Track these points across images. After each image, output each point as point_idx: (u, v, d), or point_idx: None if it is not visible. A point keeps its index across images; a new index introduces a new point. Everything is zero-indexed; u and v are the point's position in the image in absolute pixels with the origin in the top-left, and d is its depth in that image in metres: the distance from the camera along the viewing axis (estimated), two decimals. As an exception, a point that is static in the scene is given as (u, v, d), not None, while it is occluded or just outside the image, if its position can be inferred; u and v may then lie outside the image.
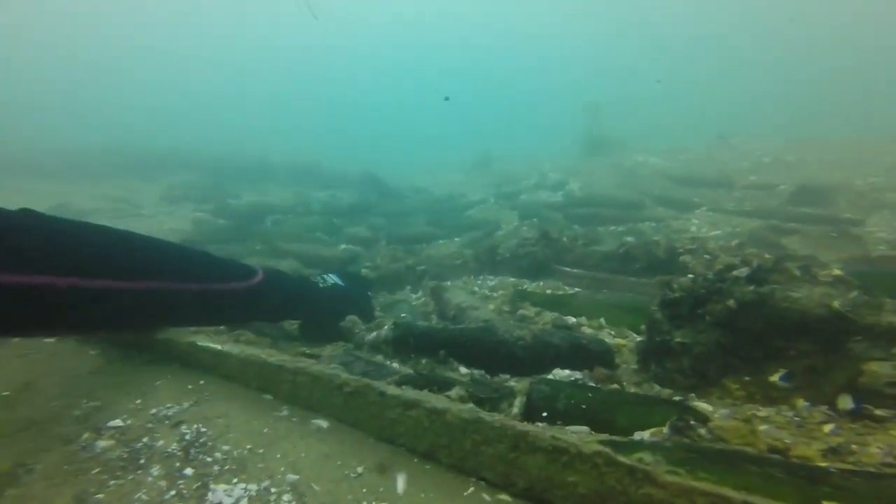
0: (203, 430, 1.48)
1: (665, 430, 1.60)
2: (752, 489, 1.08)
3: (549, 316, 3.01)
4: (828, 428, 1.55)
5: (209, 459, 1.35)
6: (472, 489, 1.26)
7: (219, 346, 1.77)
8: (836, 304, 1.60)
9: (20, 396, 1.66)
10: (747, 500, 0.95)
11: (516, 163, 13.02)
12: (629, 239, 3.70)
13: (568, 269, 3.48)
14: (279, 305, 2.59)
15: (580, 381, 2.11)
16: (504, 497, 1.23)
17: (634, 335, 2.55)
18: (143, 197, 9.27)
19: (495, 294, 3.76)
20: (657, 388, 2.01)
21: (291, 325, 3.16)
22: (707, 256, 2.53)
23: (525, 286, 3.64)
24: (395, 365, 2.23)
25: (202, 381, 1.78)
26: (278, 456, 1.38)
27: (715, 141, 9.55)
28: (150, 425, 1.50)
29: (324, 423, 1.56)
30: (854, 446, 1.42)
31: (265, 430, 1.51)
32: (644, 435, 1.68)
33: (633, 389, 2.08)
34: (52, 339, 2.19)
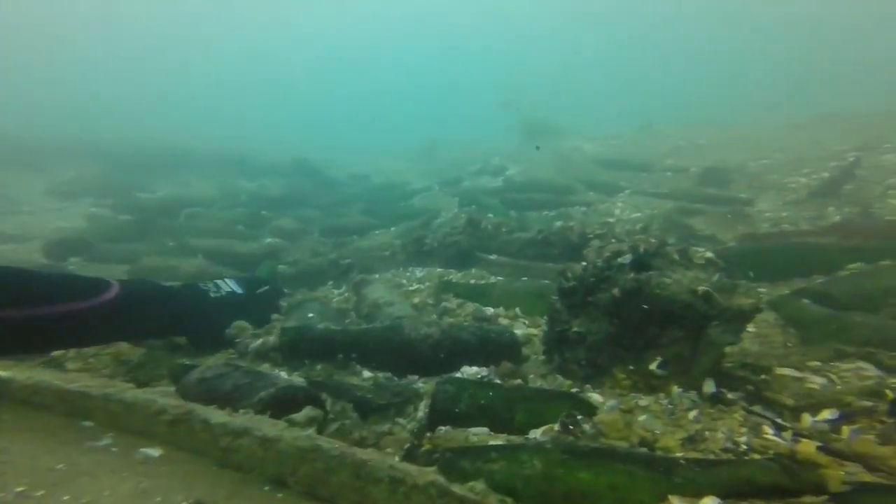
0: None
1: (556, 427, 1.54)
2: (615, 487, 1.16)
3: (470, 307, 2.90)
4: (692, 415, 1.58)
5: None
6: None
7: (3, 374, 1.42)
8: (700, 288, 1.61)
9: None
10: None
11: (462, 149, 12.91)
12: (562, 224, 3.67)
13: (490, 257, 3.39)
14: (149, 321, 2.23)
15: (486, 378, 2.01)
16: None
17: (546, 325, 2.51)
18: (23, 191, 7.90)
19: (422, 286, 3.59)
20: (560, 379, 1.96)
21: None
22: (614, 241, 2.52)
23: (451, 277, 3.51)
24: (282, 373, 1.99)
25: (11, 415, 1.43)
26: (66, 498, 1.11)
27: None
28: None
29: (154, 452, 1.30)
30: (707, 433, 1.47)
31: (58, 467, 1.22)
32: (537, 433, 1.61)
33: (539, 382, 2.02)
34: None
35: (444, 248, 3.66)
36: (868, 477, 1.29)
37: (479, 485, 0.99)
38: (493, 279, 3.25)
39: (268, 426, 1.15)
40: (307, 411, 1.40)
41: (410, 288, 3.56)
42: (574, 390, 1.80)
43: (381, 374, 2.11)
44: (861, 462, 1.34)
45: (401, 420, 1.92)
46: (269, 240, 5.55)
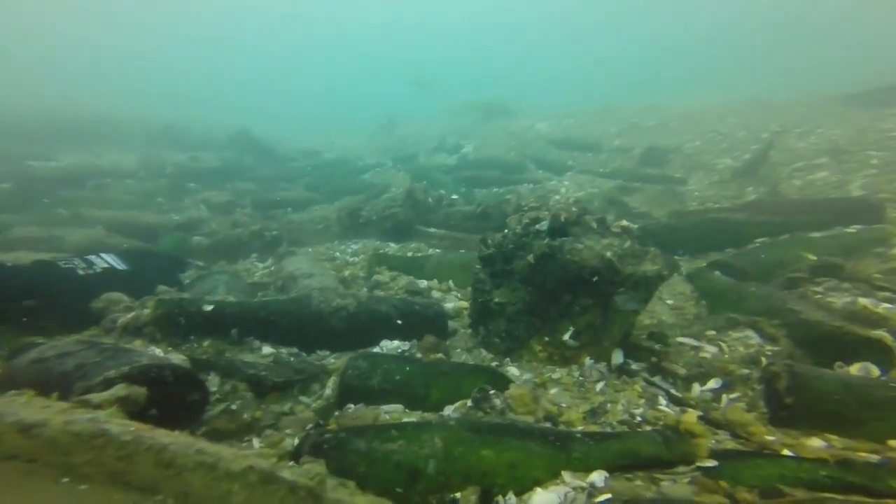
0: None
1: (469, 403, 1.36)
2: (514, 465, 1.04)
3: (403, 280, 2.66)
4: (598, 386, 1.51)
5: None
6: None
7: None
8: (608, 254, 1.48)
9: None
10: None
11: (419, 126, 12.49)
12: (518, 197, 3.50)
13: (429, 230, 3.16)
14: None
15: (406, 353, 1.79)
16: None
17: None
18: None
19: (356, 259, 3.30)
20: (483, 353, 1.79)
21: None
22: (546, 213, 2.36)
23: (387, 250, 3.24)
24: (157, 350, 1.65)
25: None
26: None
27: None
28: None
29: None
30: (609, 405, 1.40)
31: None
32: (451, 410, 1.43)
33: (464, 357, 1.84)
34: None
35: (382, 221, 3.37)
36: (731, 444, 1.26)
37: (317, 467, 0.77)
38: (431, 252, 3.02)
39: (28, 411, 0.84)
40: (116, 389, 1.09)
41: (346, 260, 3.26)
42: (495, 364, 1.63)
43: (284, 350, 1.83)
44: (729, 430, 1.31)
45: (305, 399, 1.66)
46: (191, 212, 4.95)
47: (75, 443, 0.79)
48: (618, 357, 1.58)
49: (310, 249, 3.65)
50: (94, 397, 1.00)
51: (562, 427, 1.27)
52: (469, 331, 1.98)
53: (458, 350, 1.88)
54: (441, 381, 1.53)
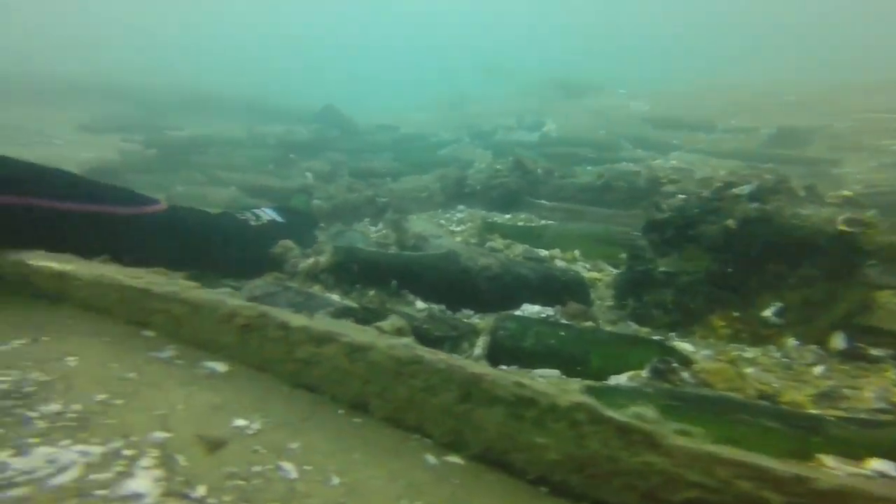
0: (33, 376, 1.07)
1: (644, 373, 1.36)
2: (747, 442, 0.90)
3: (519, 248, 2.70)
4: (817, 370, 1.37)
5: (32, 415, 0.95)
6: (413, 449, 0.95)
7: (59, 266, 1.30)
8: (855, 218, 1.34)
9: None
10: (788, 470, 0.67)
11: (492, 104, 12.23)
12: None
13: (543, 202, 3.13)
14: (192, 244, 2.11)
15: (552, 318, 1.84)
16: (454, 459, 0.93)
17: (611, 269, 2.30)
18: (54, 125, 7.90)
19: (463, 227, 3.40)
20: (634, 326, 1.76)
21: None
22: (693, 188, 2.22)
23: (495, 219, 3.29)
24: (335, 297, 1.86)
25: (47, 314, 1.33)
26: (141, 408, 1.01)
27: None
28: None
29: (220, 367, 1.18)
30: (846, 390, 1.26)
31: (130, 376, 1.11)
32: (621, 379, 1.44)
33: (608, 328, 1.84)
34: None
35: (488, 191, 3.41)
36: None
37: (649, 411, 0.78)
38: (543, 223, 3.01)
39: (355, 332, 0.98)
40: (394, 320, 1.25)
41: (451, 228, 3.38)
42: (656, 338, 1.61)
43: (434, 306, 1.97)
44: None
45: (440, 353, 1.79)
46: (302, 178, 5.42)
47: (392, 369, 0.91)
48: (839, 341, 1.45)
49: (414, 216, 3.82)
50: (384, 325, 1.15)
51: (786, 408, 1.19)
52: (609, 303, 1.96)
53: (600, 322, 1.88)
54: (601, 349, 1.54)
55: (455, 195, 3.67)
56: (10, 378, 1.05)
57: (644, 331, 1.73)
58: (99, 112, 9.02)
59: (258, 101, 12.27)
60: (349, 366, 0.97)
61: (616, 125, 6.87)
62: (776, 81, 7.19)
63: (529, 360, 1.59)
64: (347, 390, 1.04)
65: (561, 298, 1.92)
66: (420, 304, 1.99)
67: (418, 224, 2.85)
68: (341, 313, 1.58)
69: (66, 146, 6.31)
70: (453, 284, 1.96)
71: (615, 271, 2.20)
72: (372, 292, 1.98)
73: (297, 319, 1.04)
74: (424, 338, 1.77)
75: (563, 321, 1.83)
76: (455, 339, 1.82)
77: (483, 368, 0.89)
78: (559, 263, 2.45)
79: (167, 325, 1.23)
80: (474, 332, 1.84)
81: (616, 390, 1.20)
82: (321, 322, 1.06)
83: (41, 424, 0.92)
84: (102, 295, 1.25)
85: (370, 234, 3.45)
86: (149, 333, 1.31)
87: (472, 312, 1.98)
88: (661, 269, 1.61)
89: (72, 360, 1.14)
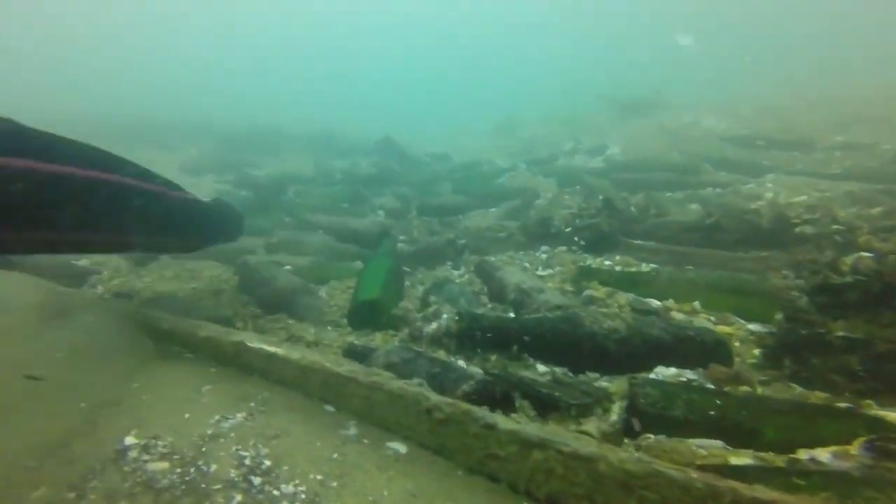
0: (263, 451, 1.20)
1: (857, 450, 1.23)
2: None
3: (623, 297, 2.62)
4: None
5: (276, 493, 1.06)
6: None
7: (273, 349, 1.46)
8: None
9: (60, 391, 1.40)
10: None
11: (543, 127, 12.17)
12: (714, 201, 3.16)
13: (641, 243, 3.03)
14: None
15: (694, 383, 1.75)
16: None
17: (741, 321, 2.15)
18: (162, 167, 8.94)
19: (551, 271, 3.37)
20: (798, 389, 1.63)
21: (332, 309, 2.86)
22: (837, 227, 2.04)
23: (587, 262, 3.23)
24: (462, 363, 1.91)
25: (258, 388, 1.49)
26: (354, 492, 1.09)
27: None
28: (202, 443, 1.22)
29: (401, 448, 1.26)
30: None
31: (334, 456, 1.22)
32: (820, 455, 1.32)
33: (759, 391, 1.71)
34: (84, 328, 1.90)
35: (577, 231, 3.36)
36: None
37: None
38: (645, 267, 2.91)
39: (572, 439, 1.01)
40: (595, 423, 1.26)
41: (539, 273, 3.36)
42: (842, 405, 1.47)
43: (557, 370, 1.95)
44: None
45: (587, 422, 1.75)
46: (373, 217, 5.67)
47: (621, 482, 0.91)
48: None
49: (492, 258, 3.85)
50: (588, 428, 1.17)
51: None
52: (752, 361, 1.83)
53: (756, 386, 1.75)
54: (776, 419, 1.43)
55: (537, 235, 3.66)
56: (248, 454, 1.19)
57: (818, 396, 1.59)
58: (192, 152, 10.05)
59: (314, 133, 12.94)
60: (564, 472, 0.98)
61: (689, 146, 6.54)
62: (886, 92, 6.46)
63: (681, 428, 1.52)
64: (542, 487, 1.05)
65: (698, 360, 1.83)
66: (541, 368, 1.98)
67: (513, 274, 2.86)
68: (483, 386, 1.62)
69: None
70: (577, 347, 1.94)
71: (749, 326, 2.06)
72: (494, 357, 2.01)
73: (504, 421, 1.08)
74: (553, 405, 1.76)
75: (710, 386, 1.73)
76: (584, 406, 1.79)
77: (752, 490, 0.86)
78: (676, 315, 2.34)
79: (358, 408, 1.33)
80: (607, 397, 1.80)
81: (846, 476, 1.09)
82: (530, 428, 1.09)
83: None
84: (306, 377, 1.38)
85: (457, 280, 3.53)
86: (329, 408, 1.42)
87: (597, 375, 1.93)
88: (839, 333, 1.48)
89: (285, 438, 1.27)
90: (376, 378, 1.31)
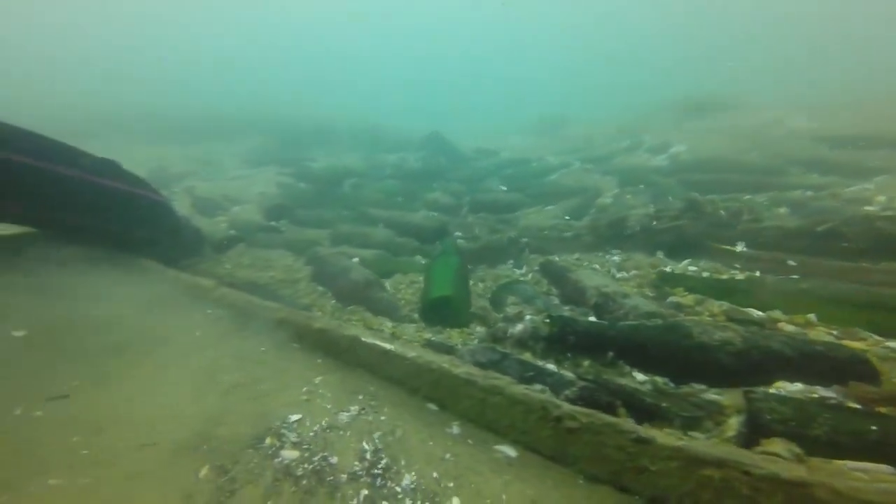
0: (380, 446, 1.20)
1: None
2: None
3: (715, 306, 2.43)
4: None
5: (398, 490, 1.05)
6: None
7: (389, 346, 1.46)
8: None
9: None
10: None
11: (595, 124, 11.68)
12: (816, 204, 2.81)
13: (736, 249, 2.79)
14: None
15: (832, 401, 1.57)
16: None
17: (877, 337, 1.90)
18: (225, 159, 9.51)
19: (625, 274, 3.20)
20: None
21: (399, 303, 2.88)
22: None
23: (668, 267, 3.03)
24: (554, 367, 1.84)
25: (364, 382, 1.51)
26: (472, 494, 1.06)
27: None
28: (324, 434, 1.24)
29: (511, 452, 1.22)
30: None
31: (447, 456, 1.20)
32: None
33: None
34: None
35: (655, 234, 3.16)
36: None
37: None
38: (738, 275, 2.67)
39: (762, 460, 0.91)
40: (786, 445, 1.16)
41: (610, 273, 3.20)
42: None
43: (658, 379, 1.83)
44: None
45: (698, 435, 1.62)
46: (424, 212, 5.69)
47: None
48: None
49: (555, 258, 3.72)
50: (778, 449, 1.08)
51: None
52: None
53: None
54: None
55: (610, 237, 3.48)
56: (368, 448, 1.20)
57: None
58: (252, 144, 10.54)
59: (366, 128, 13.04)
60: (752, 493, 0.89)
61: (770, 146, 6.00)
62: None
63: (823, 448, 1.35)
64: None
65: (829, 377, 1.64)
66: (639, 376, 1.87)
67: (589, 277, 2.74)
68: (587, 393, 1.53)
69: (239, 180, 7.50)
70: (683, 358, 1.80)
71: (889, 343, 1.82)
72: (587, 362, 1.92)
73: (663, 437, 1.01)
74: (660, 416, 1.65)
75: (853, 405, 1.54)
76: (692, 418, 1.66)
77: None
78: (786, 328, 2.13)
79: (466, 409, 1.30)
80: (720, 412, 1.66)
81: None
82: (702, 444, 1.00)
83: (408, 502, 1.02)
84: (419, 376, 1.37)
85: (517, 276, 3.43)
86: (432, 407, 1.41)
87: (703, 387, 1.79)
88: None
89: (398, 432, 1.26)
90: (496, 382, 1.27)
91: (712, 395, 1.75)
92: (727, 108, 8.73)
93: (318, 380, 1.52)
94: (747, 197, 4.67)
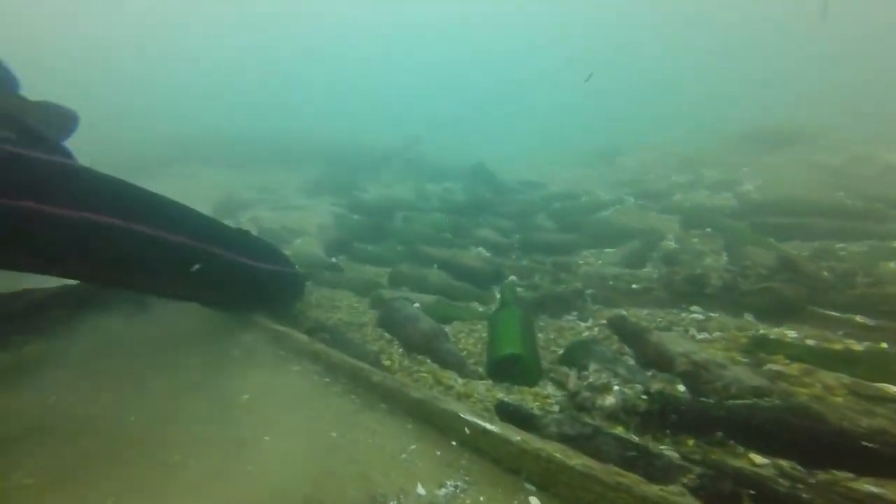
0: None
1: None
2: None
3: (830, 378, 2.15)
4: None
5: None
6: None
7: (490, 426, 1.41)
8: None
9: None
10: None
11: (649, 156, 11.28)
12: None
13: (855, 319, 2.48)
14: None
15: None
16: None
17: None
18: (283, 187, 9.97)
19: (706, 335, 2.95)
20: None
21: (462, 353, 2.81)
22: None
23: (761, 331, 2.75)
24: (663, 449, 1.68)
25: (453, 454, 1.47)
26: None
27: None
28: None
29: None
30: None
31: None
32: None
33: None
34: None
35: (746, 295, 2.90)
36: None
37: None
38: (855, 344, 2.36)
39: None
40: None
41: (688, 334, 2.96)
42: None
43: (783, 462, 1.61)
44: None
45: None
46: (476, 250, 5.66)
47: None
48: None
49: (623, 312, 3.51)
50: None
51: None
52: None
53: None
54: None
55: (686, 293, 3.25)
56: None
57: None
58: (309, 174, 10.93)
59: (414, 158, 13.03)
60: None
61: (864, 186, 5.46)
62: None
63: None
64: None
65: None
66: (759, 459, 1.66)
67: (675, 342, 2.54)
68: (710, 482, 1.36)
69: (299, 210, 7.85)
70: (814, 443, 1.58)
71: None
72: (691, 441, 1.74)
73: None
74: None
75: None
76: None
77: None
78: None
79: (574, 498, 1.20)
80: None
81: None
82: None
83: None
84: (521, 458, 1.30)
85: (581, 330, 3.26)
86: (529, 486, 1.32)
87: (849, 474, 1.55)
88: None
89: None
90: (622, 479, 1.16)
91: (867, 485, 1.51)
92: (801, 141, 8.12)
93: (412, 447, 1.49)
94: (839, 245, 4.24)
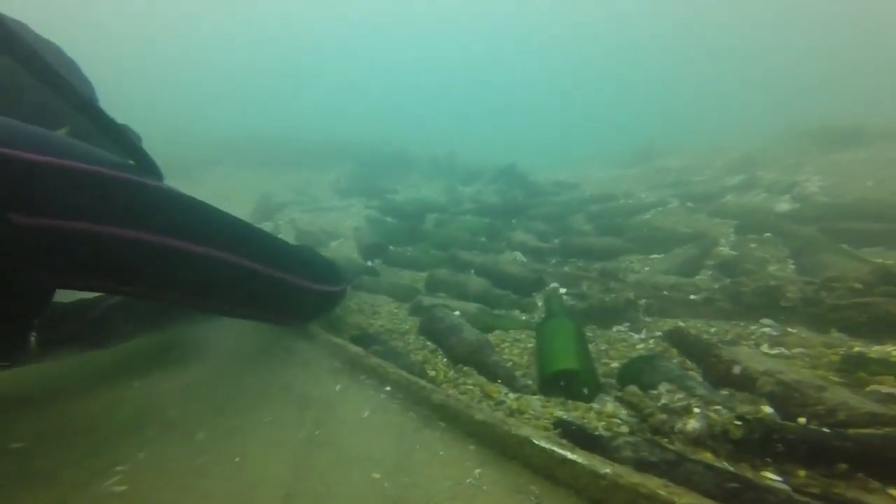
0: None
1: None
2: None
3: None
4: None
5: None
6: None
7: (570, 455, 1.27)
8: None
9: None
10: None
11: (693, 156, 10.68)
12: None
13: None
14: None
15: None
16: None
17: None
18: (316, 188, 10.14)
19: (783, 351, 2.66)
20: None
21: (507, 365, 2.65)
22: None
23: (856, 349, 2.44)
24: (770, 481, 1.47)
25: (521, 479, 1.34)
26: None
27: None
28: None
29: None
30: None
31: None
32: None
33: None
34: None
35: (834, 309, 2.59)
36: None
37: None
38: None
39: None
40: None
41: (767, 352, 2.67)
42: None
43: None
44: None
45: None
46: (517, 255, 5.47)
47: None
48: None
49: (681, 323, 3.25)
50: None
51: None
52: None
53: None
54: None
55: (755, 306, 2.96)
56: None
57: None
58: (339, 174, 11.03)
59: (444, 158, 12.83)
60: None
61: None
62: None
63: None
64: None
65: None
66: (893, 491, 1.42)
67: (755, 360, 2.27)
68: None
69: (333, 212, 7.93)
70: None
71: None
72: (802, 472, 1.52)
73: None
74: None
75: None
76: None
77: None
78: None
79: None
80: None
81: None
82: None
83: None
84: (608, 492, 1.14)
85: (635, 343, 3.03)
86: None
87: None
88: None
89: None
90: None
91: None
92: (874, 138, 7.39)
93: (477, 472, 1.36)
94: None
